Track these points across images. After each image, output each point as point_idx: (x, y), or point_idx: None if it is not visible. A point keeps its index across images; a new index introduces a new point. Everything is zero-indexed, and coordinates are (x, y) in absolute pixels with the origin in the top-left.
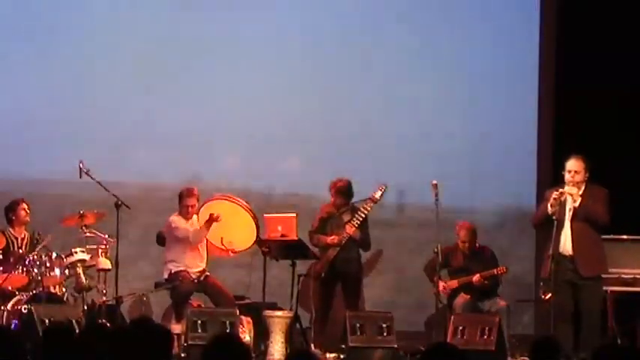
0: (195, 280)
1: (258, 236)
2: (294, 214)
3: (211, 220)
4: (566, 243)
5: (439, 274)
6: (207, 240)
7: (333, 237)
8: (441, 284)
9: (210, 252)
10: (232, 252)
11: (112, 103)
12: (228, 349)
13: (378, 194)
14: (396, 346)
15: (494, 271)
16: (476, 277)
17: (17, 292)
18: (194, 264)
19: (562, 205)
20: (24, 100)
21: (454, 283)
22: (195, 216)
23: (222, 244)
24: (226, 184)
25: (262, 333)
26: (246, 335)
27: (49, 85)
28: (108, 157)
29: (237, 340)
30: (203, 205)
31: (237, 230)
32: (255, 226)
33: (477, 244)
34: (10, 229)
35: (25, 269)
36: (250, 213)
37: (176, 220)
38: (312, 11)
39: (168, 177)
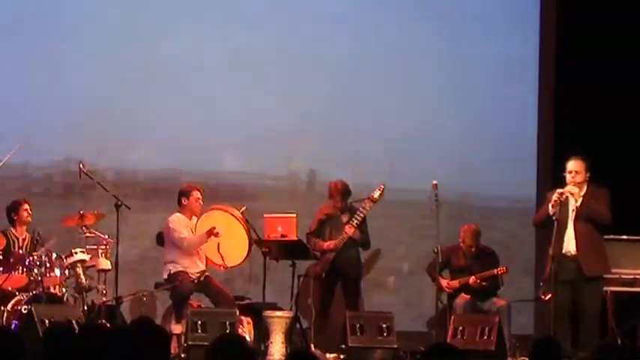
0: (195, 281)
1: (249, 253)
2: (294, 215)
3: (211, 233)
4: (569, 243)
5: (440, 273)
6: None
7: (329, 243)
8: (445, 282)
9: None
10: (224, 267)
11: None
12: (233, 350)
13: (376, 194)
14: (396, 346)
15: (494, 271)
16: (472, 279)
17: (17, 293)
18: (193, 265)
19: (564, 205)
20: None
21: (455, 283)
22: (194, 218)
23: (219, 253)
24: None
25: (262, 333)
26: (247, 335)
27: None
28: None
29: (243, 341)
30: (203, 214)
31: (231, 244)
32: (248, 242)
33: (480, 245)
34: (12, 229)
35: (25, 270)
36: (245, 227)
37: (175, 220)
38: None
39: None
